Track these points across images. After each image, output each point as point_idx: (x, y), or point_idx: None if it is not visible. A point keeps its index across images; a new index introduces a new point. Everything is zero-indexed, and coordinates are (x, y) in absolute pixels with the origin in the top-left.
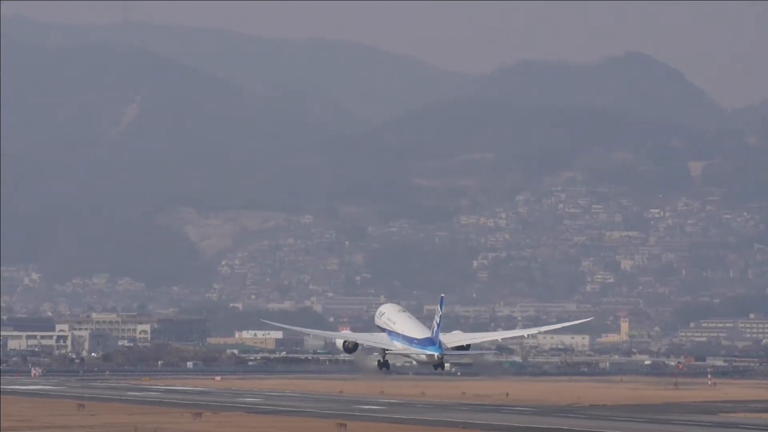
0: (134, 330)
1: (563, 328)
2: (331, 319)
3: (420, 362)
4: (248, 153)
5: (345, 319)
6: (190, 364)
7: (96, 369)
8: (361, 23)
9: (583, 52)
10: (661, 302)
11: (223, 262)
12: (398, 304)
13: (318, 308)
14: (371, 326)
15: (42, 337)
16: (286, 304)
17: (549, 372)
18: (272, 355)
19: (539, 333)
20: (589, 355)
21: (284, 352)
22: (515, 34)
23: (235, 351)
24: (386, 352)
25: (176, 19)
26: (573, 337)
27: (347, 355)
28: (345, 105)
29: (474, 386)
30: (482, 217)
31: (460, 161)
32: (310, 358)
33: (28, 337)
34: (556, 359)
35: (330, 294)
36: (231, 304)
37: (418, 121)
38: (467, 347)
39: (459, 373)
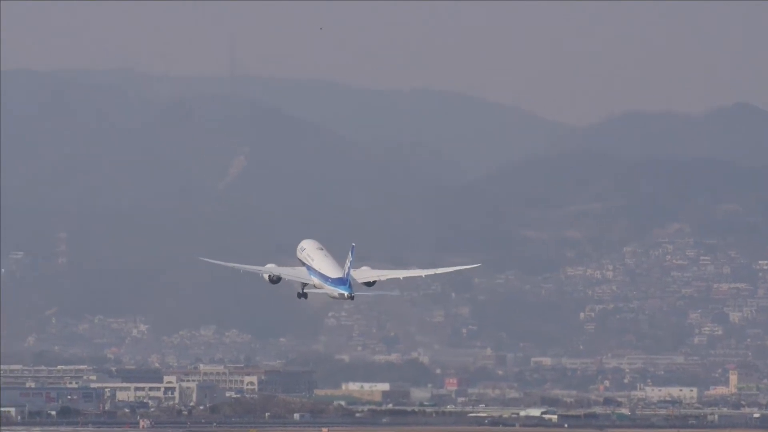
0: (241, 382)
1: (457, 270)
2: (438, 371)
3: (333, 297)
4: (353, 203)
5: (452, 371)
6: (297, 416)
7: (204, 420)
8: (467, 74)
9: (690, 103)
10: None
11: (330, 314)
12: (316, 241)
13: (425, 360)
14: (479, 377)
15: (150, 388)
16: (393, 356)
17: (657, 424)
18: (379, 407)
19: (435, 273)
20: (698, 408)
21: (391, 404)
22: (621, 84)
23: (342, 403)
24: (305, 285)
25: (283, 71)
26: (681, 390)
27: (272, 285)
28: (451, 155)
29: None
30: (589, 269)
31: (566, 212)
32: (416, 410)
33: (137, 389)
34: (663, 411)
35: (436, 346)
36: (337, 356)
37: (524, 171)
38: (373, 283)
39: (566, 425)
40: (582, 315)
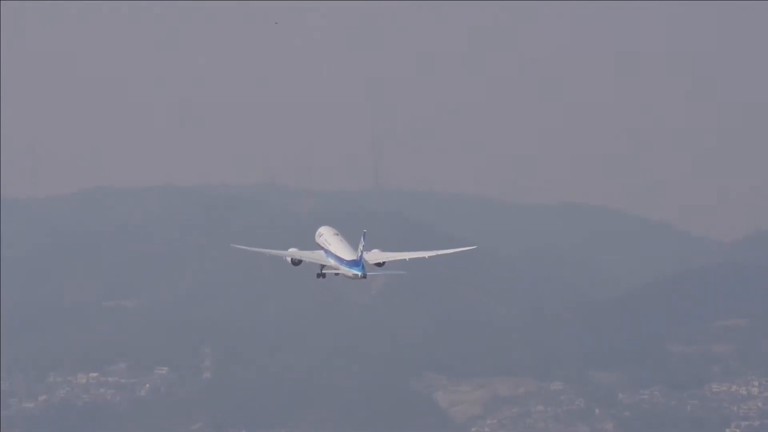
0: None
1: (451, 253)
2: None
3: (347, 277)
4: (498, 317)
5: None
6: None
7: None
8: (613, 189)
9: None
10: None
11: (473, 429)
12: (333, 227)
13: None
14: None
15: None
16: None
17: None
18: None
19: (437, 255)
20: None
21: None
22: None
23: None
24: (323, 267)
25: (428, 185)
26: None
27: (294, 266)
28: (597, 270)
29: None
30: (735, 385)
31: (712, 328)
32: None
33: None
34: None
35: None
36: None
37: (670, 286)
38: (383, 264)
39: None
40: (727, 431)
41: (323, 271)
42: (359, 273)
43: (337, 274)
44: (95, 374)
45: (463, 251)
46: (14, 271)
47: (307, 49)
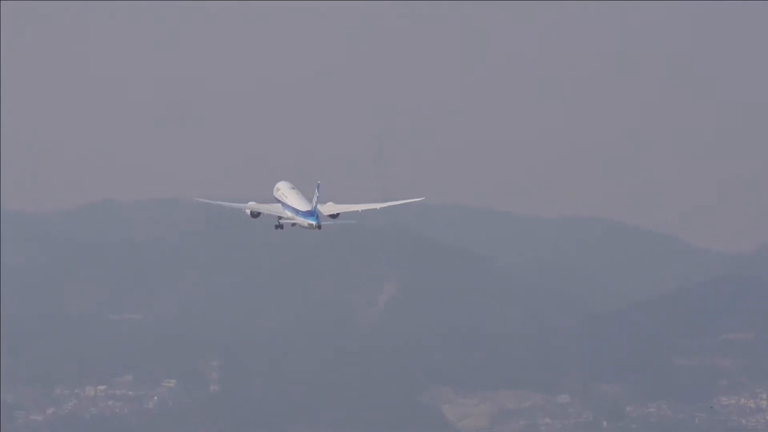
0: None
1: (400, 204)
2: None
3: (303, 227)
4: (504, 330)
5: None
6: None
7: None
8: (615, 202)
9: None
10: None
11: None
12: (289, 182)
13: None
14: None
15: None
16: None
17: None
18: None
19: (389, 206)
20: None
21: None
22: None
23: None
24: (280, 218)
25: (433, 198)
26: None
27: (253, 219)
28: (600, 282)
29: None
30: (742, 398)
31: (718, 341)
32: None
33: None
34: None
35: None
36: None
37: (675, 299)
38: (337, 215)
39: None
40: None
41: (280, 222)
42: (314, 223)
43: (293, 224)
44: (103, 387)
45: (411, 202)
46: (20, 283)
47: (306, 50)
